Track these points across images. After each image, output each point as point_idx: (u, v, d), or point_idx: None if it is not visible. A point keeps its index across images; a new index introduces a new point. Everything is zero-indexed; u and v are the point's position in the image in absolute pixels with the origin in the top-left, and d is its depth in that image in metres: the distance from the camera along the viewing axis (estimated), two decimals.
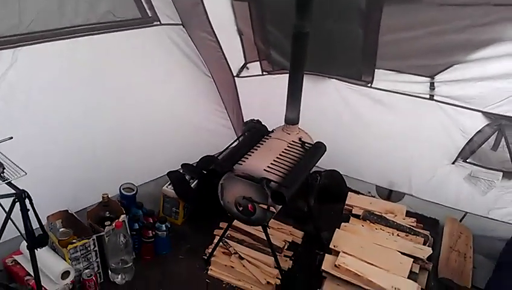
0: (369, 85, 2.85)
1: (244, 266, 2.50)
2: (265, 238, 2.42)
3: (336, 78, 2.95)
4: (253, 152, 2.32)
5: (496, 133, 2.59)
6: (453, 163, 2.81)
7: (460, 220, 2.94)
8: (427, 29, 2.42)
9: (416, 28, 2.45)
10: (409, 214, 2.91)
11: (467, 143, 2.70)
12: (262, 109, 3.11)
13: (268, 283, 2.42)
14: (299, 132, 2.49)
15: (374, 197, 3.19)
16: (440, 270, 2.57)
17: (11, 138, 1.87)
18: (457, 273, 2.55)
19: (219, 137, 3.18)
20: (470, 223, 2.91)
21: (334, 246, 2.42)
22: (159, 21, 2.73)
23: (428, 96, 2.70)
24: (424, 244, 2.55)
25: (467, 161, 2.76)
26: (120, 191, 2.68)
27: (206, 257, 2.61)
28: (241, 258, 2.53)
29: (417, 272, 2.36)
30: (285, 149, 2.33)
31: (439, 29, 2.39)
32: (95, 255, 2.34)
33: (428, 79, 2.65)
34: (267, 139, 2.45)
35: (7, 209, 1.70)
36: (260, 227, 2.40)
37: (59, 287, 2.13)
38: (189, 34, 2.87)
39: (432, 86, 2.66)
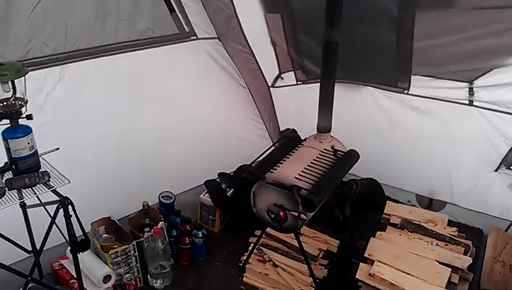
0: (405, 92, 2.80)
1: (278, 273, 2.52)
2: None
3: (371, 86, 2.93)
4: (284, 160, 2.35)
5: None
6: (496, 170, 2.71)
7: (506, 230, 2.81)
8: (463, 34, 2.37)
9: (451, 33, 2.40)
10: (451, 223, 2.83)
11: (510, 149, 2.60)
12: (298, 118, 3.13)
13: None
14: (331, 140, 2.50)
15: (414, 206, 3.12)
16: (483, 282, 2.46)
17: (58, 148, 2.00)
18: (502, 285, 2.44)
19: (256, 146, 3.21)
20: None
21: (369, 255, 2.39)
22: (196, 35, 2.83)
23: (467, 102, 2.62)
24: (465, 254, 2.47)
25: (511, 168, 2.65)
26: (159, 199, 2.79)
27: (241, 264, 2.65)
28: (275, 265, 2.55)
29: (456, 282, 2.29)
30: (316, 157, 2.34)
31: (476, 33, 2.33)
32: (135, 260, 2.45)
33: (467, 84, 2.58)
34: (299, 147, 2.47)
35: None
36: (294, 235, 2.41)
37: None
38: (225, 46, 2.96)
39: (471, 92, 2.59)
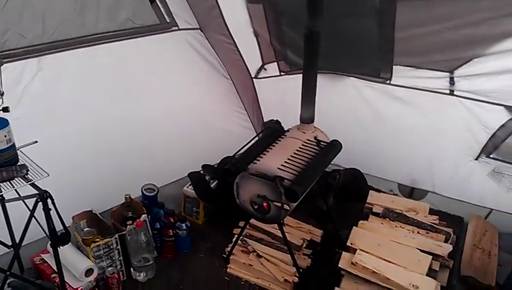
0: (387, 82, 2.82)
1: (262, 264, 2.53)
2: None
3: (353, 76, 2.94)
4: (267, 151, 2.35)
5: None
6: (476, 159, 2.75)
7: (486, 217, 2.87)
8: (444, 23, 2.37)
9: (432, 23, 2.41)
10: (432, 212, 2.87)
11: (490, 138, 2.63)
12: (281, 109, 3.13)
13: (286, 280, 2.43)
14: (314, 130, 2.50)
15: (396, 195, 3.15)
16: (463, 268, 2.51)
17: (36, 142, 1.97)
18: (481, 271, 2.49)
19: (240, 138, 3.18)
20: (496, 220, 2.83)
21: (351, 244, 2.42)
22: (177, 26, 2.80)
23: (448, 91, 2.65)
24: (446, 241, 2.51)
25: (491, 156, 2.69)
26: (142, 191, 2.77)
27: (225, 256, 2.66)
28: (259, 256, 2.56)
29: (437, 269, 2.33)
30: (299, 148, 2.35)
31: (456, 23, 2.34)
32: (118, 254, 2.43)
33: (447, 74, 2.59)
34: (282, 138, 2.47)
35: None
36: (277, 225, 2.42)
37: (83, 284, 2.22)
38: (207, 37, 2.93)
39: (452, 81, 2.61)
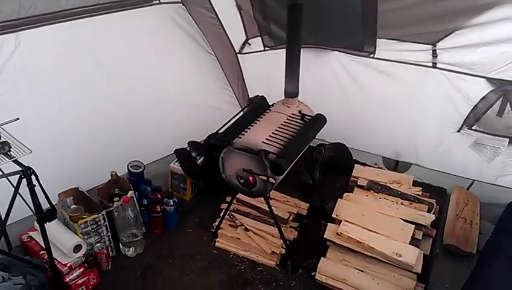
0: (371, 56, 2.83)
1: (250, 237, 2.56)
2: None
3: (338, 50, 2.94)
4: (252, 126, 2.35)
5: (501, 99, 2.55)
6: (459, 131, 2.79)
7: (468, 188, 2.94)
8: None
9: None
10: (416, 183, 2.92)
11: (472, 110, 2.67)
12: (266, 85, 3.12)
13: (273, 252, 2.48)
14: (299, 104, 2.50)
15: (380, 168, 3.20)
16: (445, 237, 2.59)
17: (18, 118, 1.94)
18: (463, 239, 2.57)
19: (225, 114, 3.17)
20: (478, 191, 2.90)
21: (337, 215, 2.46)
22: (159, 0, 2.75)
23: (431, 64, 2.67)
24: (429, 212, 2.57)
25: (472, 128, 2.73)
26: (128, 168, 2.76)
27: (213, 230, 2.69)
28: (246, 229, 2.60)
29: (420, 238, 2.39)
30: (284, 122, 2.35)
31: None
32: (106, 230, 2.44)
33: (430, 46, 2.62)
34: (267, 112, 2.47)
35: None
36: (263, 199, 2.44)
37: (72, 260, 2.23)
38: (189, 11, 2.87)
39: (434, 54, 2.63)
